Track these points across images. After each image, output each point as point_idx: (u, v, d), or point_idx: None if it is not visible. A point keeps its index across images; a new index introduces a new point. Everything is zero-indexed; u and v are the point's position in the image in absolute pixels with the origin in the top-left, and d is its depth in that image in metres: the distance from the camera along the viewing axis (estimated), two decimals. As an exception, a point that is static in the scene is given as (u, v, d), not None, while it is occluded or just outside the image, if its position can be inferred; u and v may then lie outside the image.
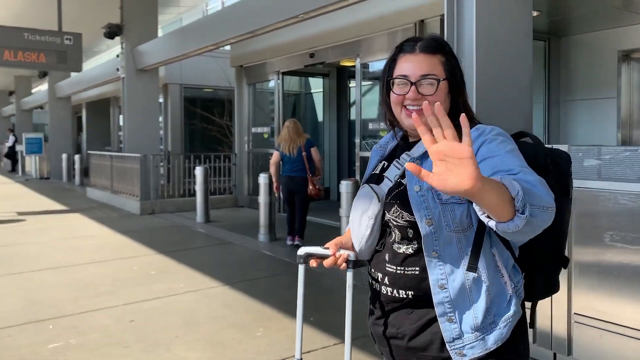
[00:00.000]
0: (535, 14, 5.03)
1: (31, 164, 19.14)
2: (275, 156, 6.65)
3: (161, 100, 13.08)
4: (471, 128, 1.30)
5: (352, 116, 9.93)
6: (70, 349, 3.55)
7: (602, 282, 2.99)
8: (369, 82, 8.10)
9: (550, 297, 3.10)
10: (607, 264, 2.97)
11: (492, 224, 1.13)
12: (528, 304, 1.51)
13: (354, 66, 8.17)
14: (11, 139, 21.52)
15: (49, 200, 12.07)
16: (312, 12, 6.12)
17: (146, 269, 5.67)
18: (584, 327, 3.07)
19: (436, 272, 1.33)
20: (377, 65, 7.80)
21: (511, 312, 1.34)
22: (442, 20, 5.31)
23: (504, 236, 1.17)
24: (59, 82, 17.40)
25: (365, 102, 8.01)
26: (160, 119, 12.87)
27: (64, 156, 16.80)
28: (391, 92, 1.42)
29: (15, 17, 11.12)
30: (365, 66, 7.96)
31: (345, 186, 5.57)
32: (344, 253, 1.50)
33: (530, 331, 1.54)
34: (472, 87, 3.70)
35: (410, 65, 1.39)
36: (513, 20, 3.76)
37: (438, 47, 1.41)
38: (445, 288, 1.33)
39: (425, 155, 1.38)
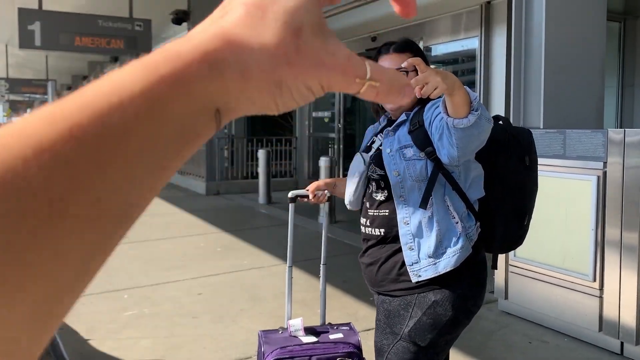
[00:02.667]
0: (610, -7, 4.82)
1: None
2: None
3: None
4: (428, 103, 1.81)
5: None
6: (144, 317, 3.79)
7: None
8: (433, 65, 7.99)
9: (618, 287, 3.04)
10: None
11: (450, 120, 1.55)
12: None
13: (416, 49, 8.09)
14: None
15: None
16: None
17: (212, 246, 5.92)
18: (653, 316, 2.99)
19: (402, 212, 1.78)
20: (441, 48, 7.69)
21: (459, 245, 1.74)
22: (509, 1, 5.19)
23: (455, 133, 1.56)
24: (129, 67, 18.06)
25: (427, 86, 7.94)
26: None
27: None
28: None
29: (90, 5, 11.67)
30: (428, 49, 7.85)
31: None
32: (323, 193, 2.20)
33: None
34: (541, 70, 3.62)
35: (387, 63, 1.86)
36: None
37: (406, 46, 1.91)
38: (408, 224, 1.77)
39: (397, 126, 1.85)
